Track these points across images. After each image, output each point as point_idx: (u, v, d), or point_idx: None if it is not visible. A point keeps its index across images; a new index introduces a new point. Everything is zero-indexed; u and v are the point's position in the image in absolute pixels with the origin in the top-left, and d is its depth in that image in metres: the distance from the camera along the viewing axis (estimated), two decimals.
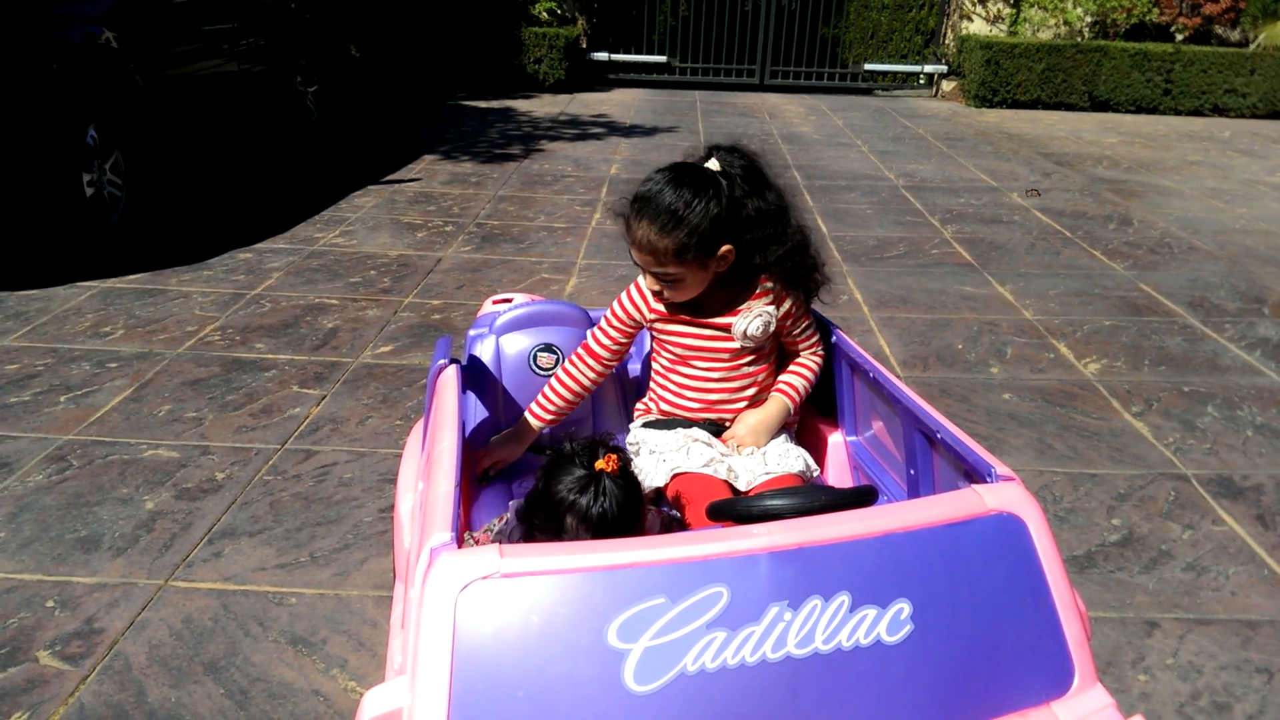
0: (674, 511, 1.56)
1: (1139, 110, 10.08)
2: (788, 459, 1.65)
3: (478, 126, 8.22)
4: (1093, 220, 5.66)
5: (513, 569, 1.00)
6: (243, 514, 2.51)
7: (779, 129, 8.60)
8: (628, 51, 11.08)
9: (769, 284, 1.68)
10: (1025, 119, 9.52)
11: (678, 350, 1.75)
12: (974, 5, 10.90)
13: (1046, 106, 10.09)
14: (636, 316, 1.75)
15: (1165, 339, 3.84)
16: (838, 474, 1.77)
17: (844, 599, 1.02)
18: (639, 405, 1.87)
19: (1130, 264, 4.82)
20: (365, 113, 8.71)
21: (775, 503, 1.16)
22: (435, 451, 1.24)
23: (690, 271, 1.61)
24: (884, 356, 3.51)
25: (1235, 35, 10.64)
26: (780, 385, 1.76)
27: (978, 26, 10.93)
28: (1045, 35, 10.58)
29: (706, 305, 1.69)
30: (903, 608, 1.04)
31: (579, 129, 8.28)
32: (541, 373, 1.86)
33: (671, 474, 1.62)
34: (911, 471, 1.46)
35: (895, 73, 11.33)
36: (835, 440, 1.79)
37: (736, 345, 1.71)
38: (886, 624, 1.03)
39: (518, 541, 1.43)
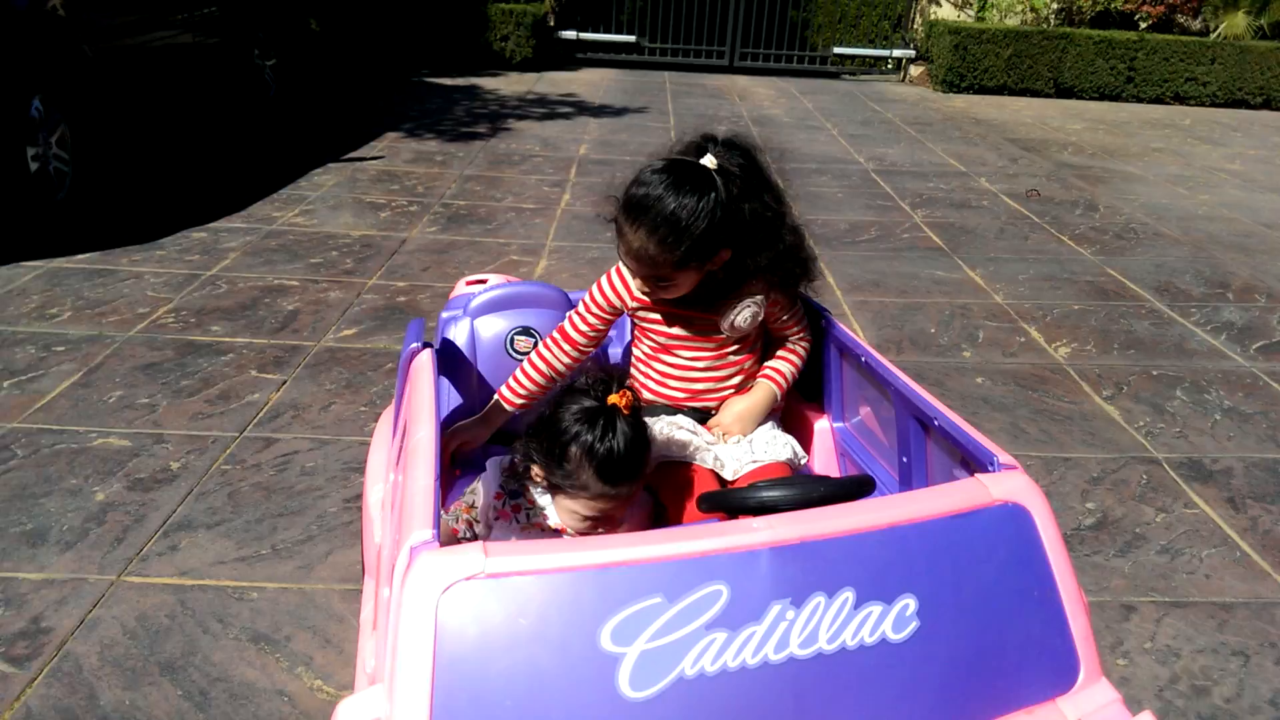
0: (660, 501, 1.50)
1: (1103, 97, 10.17)
2: (775, 446, 1.60)
3: (443, 104, 8.06)
4: (1059, 205, 5.68)
5: (498, 568, 0.93)
6: (200, 505, 2.41)
7: (749, 111, 8.54)
8: (596, 30, 10.93)
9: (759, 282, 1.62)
10: (992, 105, 9.56)
11: (661, 339, 1.68)
12: None
13: (1013, 93, 10.14)
14: (617, 304, 1.68)
15: (1133, 323, 3.85)
16: (824, 461, 1.72)
17: (848, 595, 0.97)
18: None
19: (1097, 249, 4.84)
20: (326, 88, 8.49)
21: (772, 494, 1.11)
22: (412, 442, 1.17)
23: (685, 276, 1.55)
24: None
25: (1197, 25, 10.77)
26: (767, 371, 1.70)
27: (945, 12, 10.94)
28: (1012, 21, 10.62)
29: (692, 296, 1.62)
30: (908, 603, 0.99)
31: (547, 108, 8.15)
32: (519, 356, 1.79)
33: (656, 462, 1.55)
34: (904, 459, 1.42)
35: (864, 57, 11.32)
36: (821, 426, 1.74)
37: (723, 335, 1.65)
38: (892, 621, 0.98)
39: (499, 495, 1.37)
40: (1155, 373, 3.39)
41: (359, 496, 2.44)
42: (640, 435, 1.29)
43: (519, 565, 0.93)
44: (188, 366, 3.13)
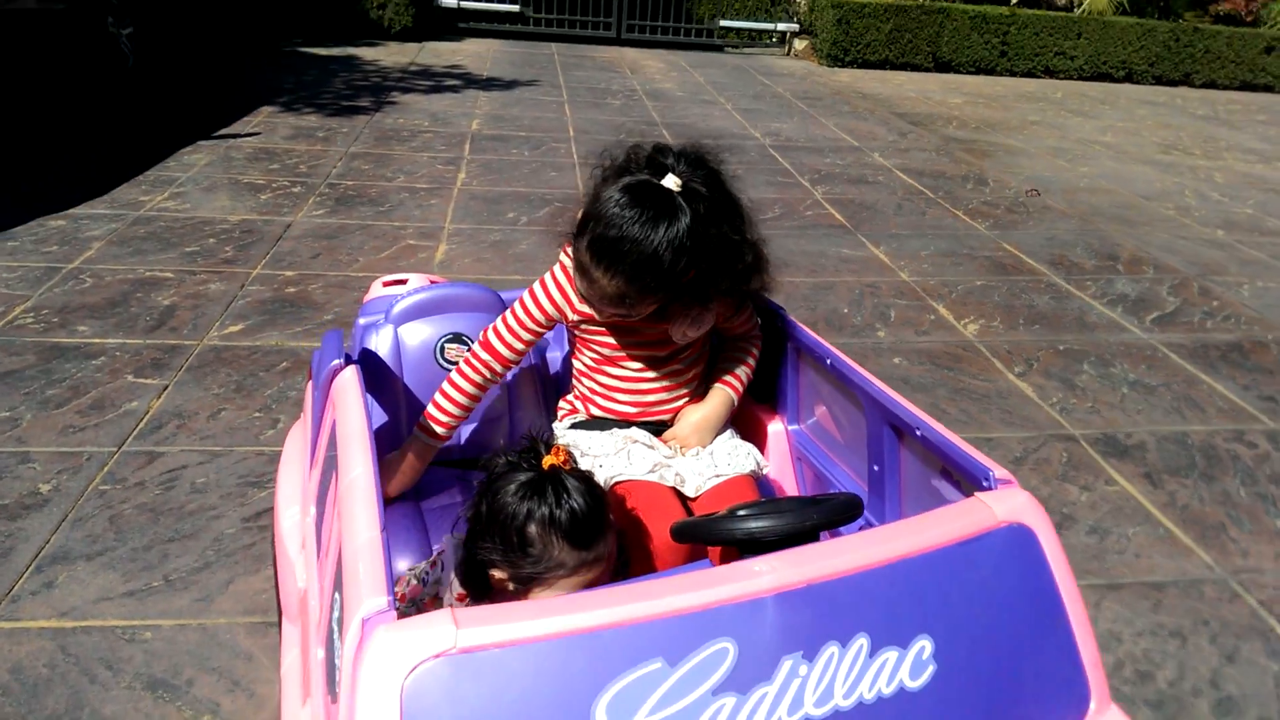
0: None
1: (979, 71, 10.48)
2: (737, 458, 1.50)
3: (320, 76, 7.61)
4: (951, 180, 5.79)
5: (473, 641, 0.79)
6: (77, 533, 2.15)
7: (642, 85, 8.41)
8: None
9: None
10: (876, 79, 9.71)
11: (606, 351, 1.56)
12: None
13: (894, 67, 10.33)
14: (556, 316, 1.54)
15: (1034, 297, 3.94)
16: (779, 466, 1.64)
17: (862, 643, 0.88)
18: (562, 404, 1.67)
19: (991, 224, 4.95)
20: (190, 59, 7.89)
21: (760, 525, 1.00)
22: (346, 482, 1.01)
23: (650, 304, 1.43)
24: None
25: (1062, 0, 11.20)
26: (721, 376, 1.60)
27: None
28: None
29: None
30: (924, 646, 0.90)
31: (432, 80, 7.80)
32: (449, 366, 1.62)
33: (611, 482, 1.43)
34: (875, 468, 1.34)
35: (748, 30, 11.32)
36: (775, 429, 1.65)
37: (673, 343, 1.54)
38: (909, 666, 0.89)
39: (459, 589, 1.21)
40: (1061, 347, 3.47)
41: (260, 515, 2.23)
42: (593, 485, 1.17)
43: (497, 636, 0.80)
44: (53, 373, 2.81)
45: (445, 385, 1.54)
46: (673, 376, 1.57)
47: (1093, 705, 0.99)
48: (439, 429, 1.54)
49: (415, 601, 1.26)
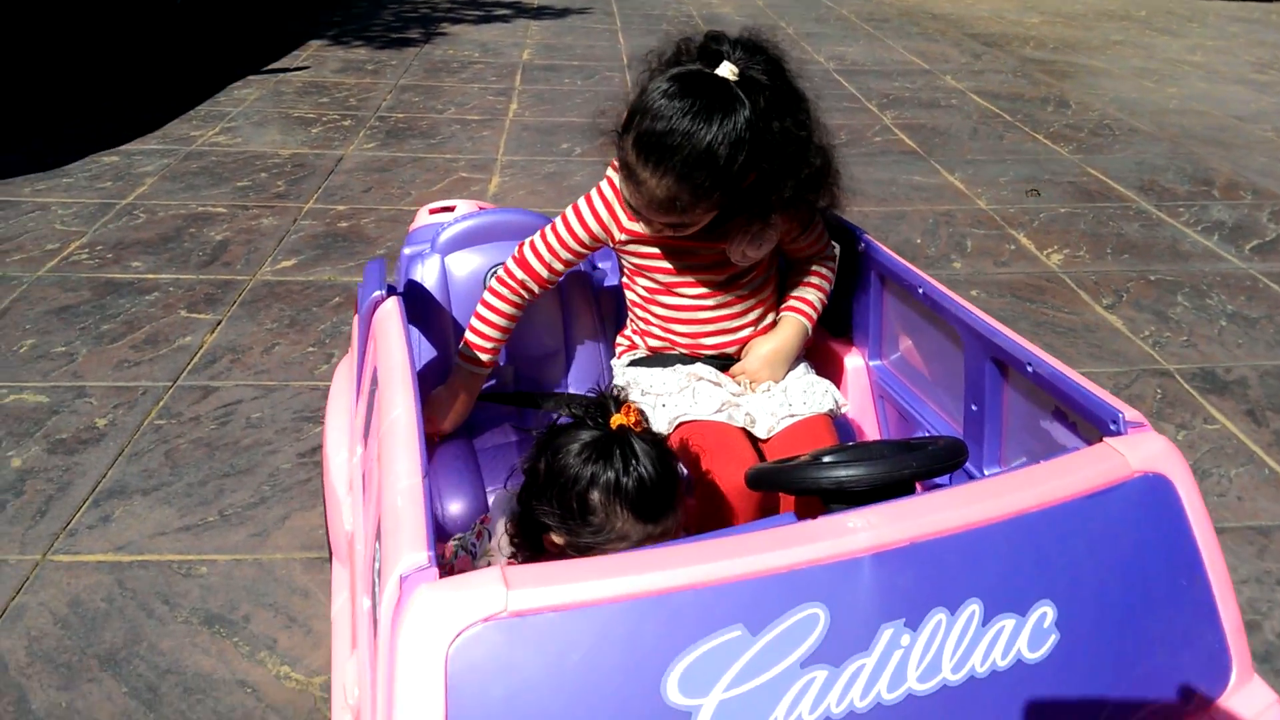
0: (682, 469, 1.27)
1: None
2: (813, 395, 1.37)
3: (369, 8, 7.46)
4: (1030, 103, 5.45)
5: (526, 604, 0.70)
6: (133, 468, 2.13)
7: (698, 10, 8.08)
8: None
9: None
10: None
11: (659, 278, 1.42)
12: None
13: None
14: (602, 236, 1.41)
15: (1123, 225, 3.69)
16: (859, 405, 1.51)
17: (974, 609, 0.76)
18: (620, 339, 1.54)
19: (1074, 147, 4.64)
20: None
21: (851, 472, 0.88)
22: (387, 422, 0.92)
23: (706, 213, 1.27)
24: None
25: None
26: (792, 303, 1.45)
27: None
28: None
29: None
30: (1045, 612, 0.78)
31: (482, 10, 7.60)
32: None
33: (675, 422, 1.32)
34: (973, 407, 1.20)
35: None
36: (854, 364, 1.52)
37: (733, 265, 1.39)
38: (1028, 636, 0.77)
39: (517, 558, 1.12)
40: (1153, 278, 3.23)
41: (315, 450, 2.18)
42: (665, 452, 1.04)
43: (554, 598, 0.70)
44: (108, 308, 2.79)
45: (479, 308, 1.43)
46: (735, 305, 1.43)
47: (1233, 678, 0.86)
48: (481, 355, 1.43)
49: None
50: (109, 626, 1.71)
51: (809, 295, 1.46)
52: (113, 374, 2.48)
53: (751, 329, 1.45)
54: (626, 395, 1.05)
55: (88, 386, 2.42)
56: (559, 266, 1.42)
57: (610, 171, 1.38)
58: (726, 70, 1.20)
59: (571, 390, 1.55)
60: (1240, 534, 2.01)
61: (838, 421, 1.38)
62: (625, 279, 1.48)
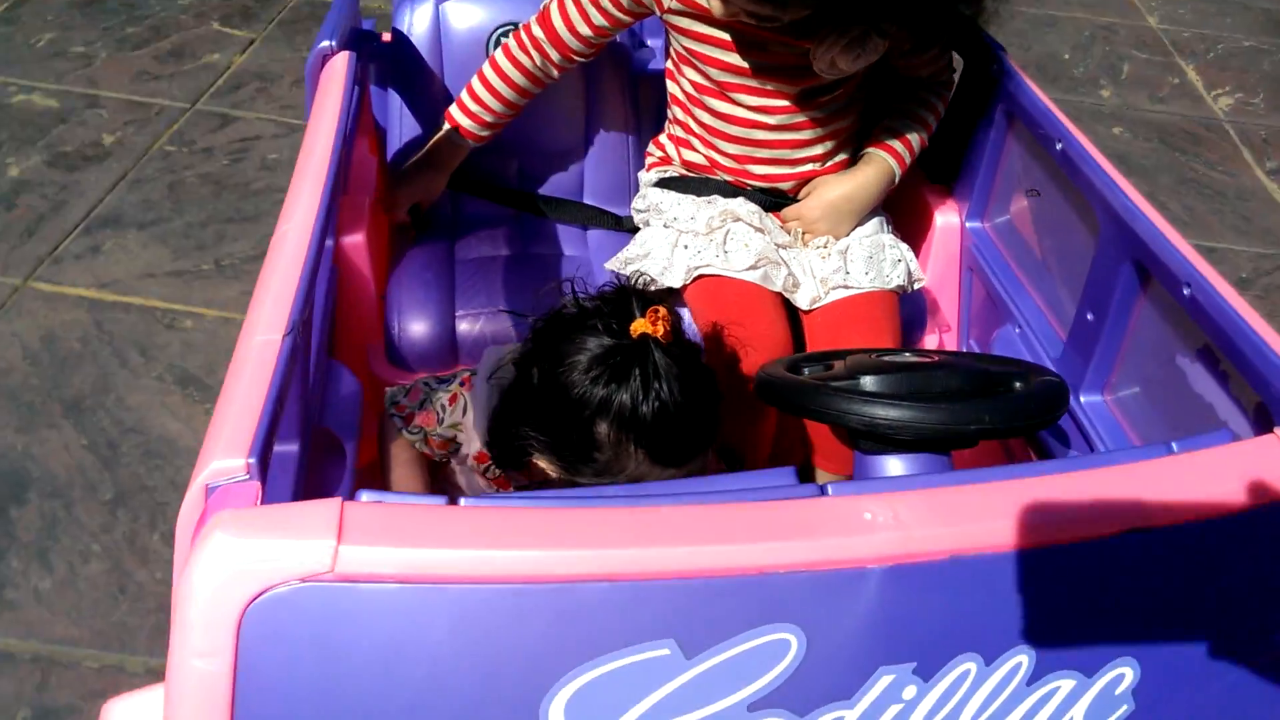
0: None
1: None
2: (881, 265, 1.06)
3: None
4: None
5: (361, 565, 0.48)
6: (133, 196, 1.96)
7: None
8: None
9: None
10: None
11: (712, 72, 1.07)
12: None
13: None
14: (648, 1, 1.08)
15: None
16: (940, 276, 1.19)
17: (1021, 661, 0.52)
18: (653, 148, 1.22)
19: None
20: None
21: (893, 415, 0.61)
22: (275, 235, 0.68)
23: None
24: None
25: None
26: (883, 137, 1.11)
27: None
28: None
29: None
30: (1123, 674, 0.54)
31: None
32: None
33: (694, 273, 1.04)
34: (1089, 315, 0.90)
35: None
36: (945, 222, 1.18)
37: (815, 75, 1.04)
38: (1088, 704, 0.54)
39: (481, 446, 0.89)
40: None
41: None
42: (701, 372, 0.78)
43: (404, 563, 0.48)
44: (136, 8, 2.53)
45: (485, 67, 1.13)
46: (804, 129, 1.09)
47: None
48: (470, 122, 1.14)
49: (424, 434, 0.93)
50: (79, 371, 1.60)
51: (907, 132, 1.11)
52: (130, 85, 2.26)
53: (817, 164, 1.12)
54: (649, 284, 0.76)
55: (102, 96, 2.22)
56: (586, 33, 1.09)
57: None
58: None
59: (588, 201, 1.26)
60: None
61: (905, 300, 1.08)
62: (670, 65, 1.15)
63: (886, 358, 0.72)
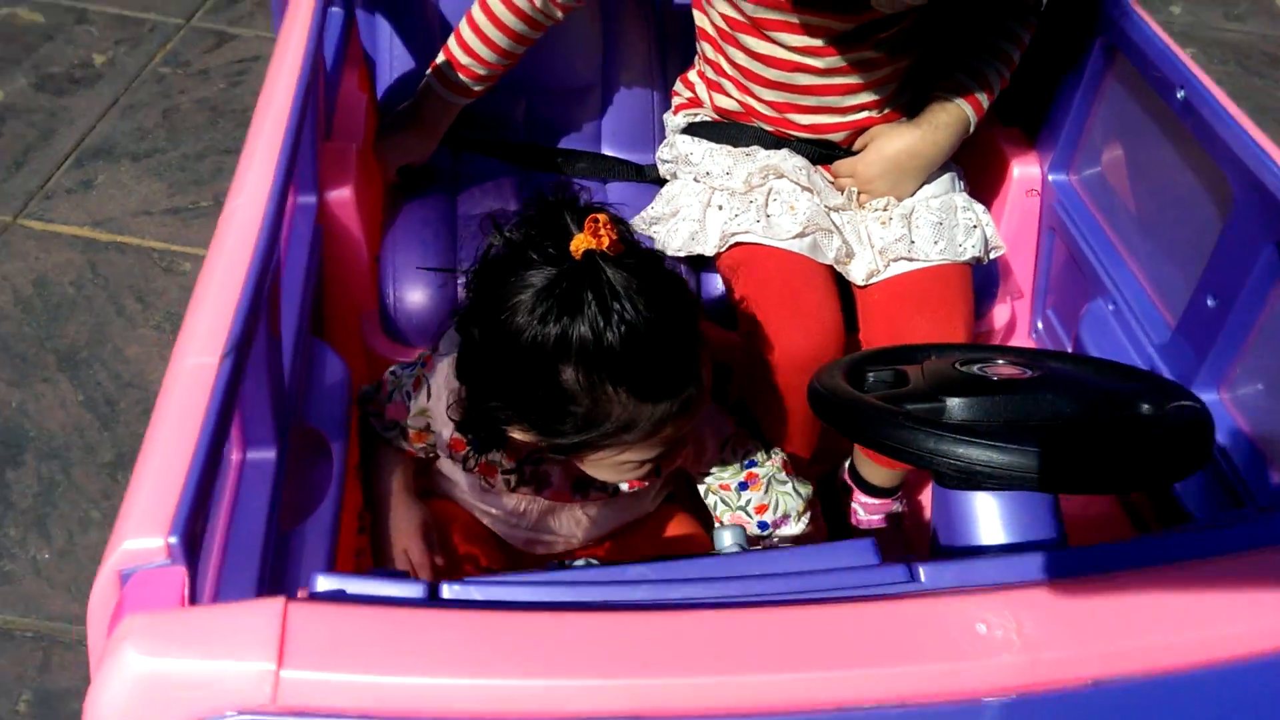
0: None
1: None
2: (953, 233, 0.90)
3: None
4: None
5: (308, 696, 0.36)
6: (125, 124, 1.83)
7: None
8: None
9: None
10: None
11: (746, 6, 0.90)
12: None
13: None
14: None
15: None
16: (1016, 236, 1.03)
17: None
18: (680, 86, 1.05)
19: None
20: None
21: (988, 458, 0.47)
22: (224, 212, 0.55)
23: None
24: None
25: None
26: (960, 79, 0.93)
27: None
28: None
29: None
30: None
31: None
32: None
33: (729, 240, 0.89)
34: (1210, 301, 0.75)
35: None
36: (1025, 173, 1.01)
37: (870, 10, 0.86)
38: None
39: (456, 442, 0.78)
40: None
41: None
42: (662, 276, 0.65)
43: (360, 694, 0.36)
44: None
45: (474, 8, 0.95)
46: (856, 72, 0.91)
47: None
48: (463, 77, 0.96)
49: (401, 429, 0.82)
50: (73, 319, 1.50)
51: (986, 70, 0.93)
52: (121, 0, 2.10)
53: (873, 111, 0.94)
54: (600, 205, 0.63)
55: (90, 11, 2.08)
56: None
57: None
58: None
59: (606, 149, 1.09)
60: None
61: (979, 273, 0.93)
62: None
63: (974, 364, 0.59)
